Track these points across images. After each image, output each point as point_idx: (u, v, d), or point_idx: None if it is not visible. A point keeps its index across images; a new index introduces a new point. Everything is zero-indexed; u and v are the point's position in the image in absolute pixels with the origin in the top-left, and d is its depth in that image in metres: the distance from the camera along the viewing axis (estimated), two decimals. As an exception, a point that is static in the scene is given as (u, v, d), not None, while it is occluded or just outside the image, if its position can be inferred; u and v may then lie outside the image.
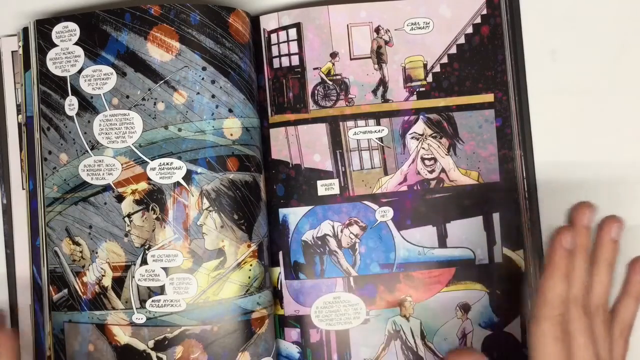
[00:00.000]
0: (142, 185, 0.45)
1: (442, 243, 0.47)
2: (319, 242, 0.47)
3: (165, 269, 0.44)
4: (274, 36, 0.48)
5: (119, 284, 0.45)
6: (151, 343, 0.44)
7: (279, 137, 0.48)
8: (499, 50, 0.48)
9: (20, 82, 0.48)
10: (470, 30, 0.48)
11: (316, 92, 0.47)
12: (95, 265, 0.45)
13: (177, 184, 0.45)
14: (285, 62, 0.48)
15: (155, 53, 0.45)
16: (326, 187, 0.47)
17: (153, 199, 0.45)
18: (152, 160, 0.45)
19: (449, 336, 0.47)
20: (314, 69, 0.47)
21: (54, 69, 0.46)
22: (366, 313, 0.47)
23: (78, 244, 0.46)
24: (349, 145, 0.47)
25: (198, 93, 0.45)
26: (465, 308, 0.47)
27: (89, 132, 0.46)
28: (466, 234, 0.47)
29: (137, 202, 0.45)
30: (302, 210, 0.47)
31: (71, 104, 0.46)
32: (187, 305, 0.44)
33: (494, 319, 0.47)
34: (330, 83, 0.47)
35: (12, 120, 0.50)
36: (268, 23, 0.48)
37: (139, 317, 0.45)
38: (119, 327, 0.45)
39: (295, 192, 0.47)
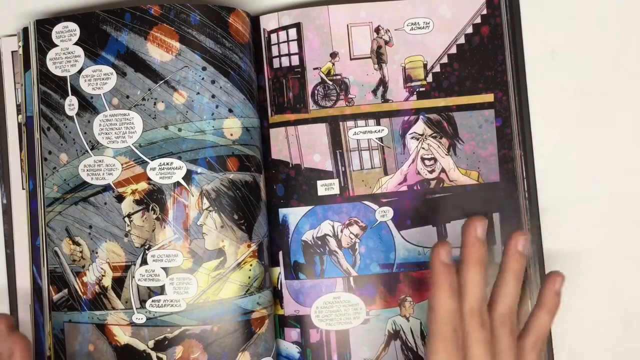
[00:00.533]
0: (142, 185, 0.45)
1: (442, 243, 0.47)
2: (319, 242, 0.47)
3: (165, 269, 0.44)
4: (274, 36, 0.48)
5: (119, 284, 0.45)
6: (151, 343, 0.44)
7: (279, 137, 0.48)
8: (499, 50, 0.48)
9: (20, 82, 0.48)
10: (470, 30, 0.48)
11: (316, 92, 0.47)
12: (95, 265, 0.45)
13: (177, 184, 0.45)
14: (285, 62, 0.48)
15: (155, 53, 0.45)
16: (326, 187, 0.47)
17: (153, 199, 0.45)
18: (152, 160, 0.45)
19: (449, 336, 0.47)
20: (314, 69, 0.47)
21: (54, 69, 0.46)
22: (366, 313, 0.47)
23: (78, 244, 0.46)
24: (349, 145, 0.47)
25: (198, 93, 0.45)
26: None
27: (89, 132, 0.46)
28: (466, 234, 0.47)
29: (137, 202, 0.45)
30: (302, 210, 0.47)
31: (71, 104, 0.46)
32: (187, 305, 0.44)
33: (494, 319, 0.47)
34: (330, 83, 0.47)
35: (12, 120, 0.49)
36: (268, 23, 0.48)
37: (139, 317, 0.45)
38: (119, 327, 0.45)
39: (295, 192, 0.47)
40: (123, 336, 0.45)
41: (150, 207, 0.45)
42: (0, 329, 0.41)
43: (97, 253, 0.45)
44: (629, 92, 0.49)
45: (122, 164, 0.45)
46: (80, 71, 0.46)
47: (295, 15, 0.47)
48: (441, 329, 0.40)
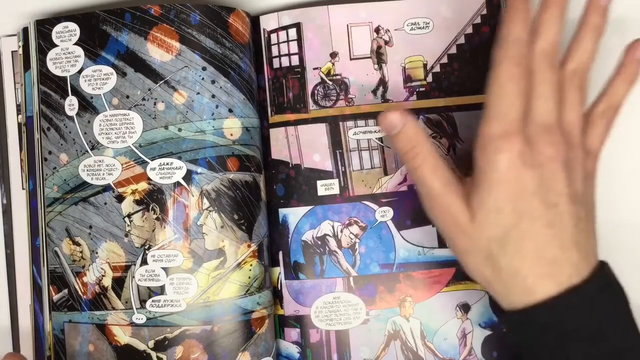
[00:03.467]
0: (142, 185, 0.45)
1: (442, 243, 0.47)
2: (319, 242, 0.47)
3: (165, 269, 0.44)
4: (273, 36, 0.48)
5: (119, 284, 0.45)
6: (151, 343, 0.44)
7: (279, 137, 0.48)
8: (499, 50, 0.48)
9: (20, 82, 0.48)
10: (470, 30, 0.48)
11: (316, 92, 0.47)
12: (95, 266, 0.45)
13: (177, 184, 0.45)
14: (285, 62, 0.48)
15: (155, 53, 0.45)
16: (326, 187, 0.47)
17: (153, 199, 0.45)
18: (152, 160, 0.45)
19: (449, 336, 0.47)
20: (314, 69, 0.47)
21: (54, 69, 0.46)
22: (366, 313, 0.47)
23: (78, 244, 0.46)
24: (349, 145, 0.47)
25: (198, 93, 0.45)
26: (465, 308, 0.47)
27: (89, 132, 0.46)
28: (466, 234, 0.47)
29: (137, 202, 0.45)
30: (302, 210, 0.47)
31: (71, 104, 0.46)
32: (187, 305, 0.44)
33: (494, 318, 0.47)
34: (330, 83, 0.47)
35: (12, 120, 0.50)
36: (268, 23, 0.48)
37: (139, 317, 0.45)
38: (119, 327, 0.45)
39: (295, 192, 0.47)
40: (123, 336, 0.45)
41: (150, 207, 0.45)
42: None
43: (97, 253, 0.45)
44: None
45: (122, 164, 0.45)
46: (80, 71, 0.46)
47: (295, 15, 0.47)
48: (509, 52, 0.38)
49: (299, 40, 0.47)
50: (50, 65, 0.46)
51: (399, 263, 0.47)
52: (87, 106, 0.46)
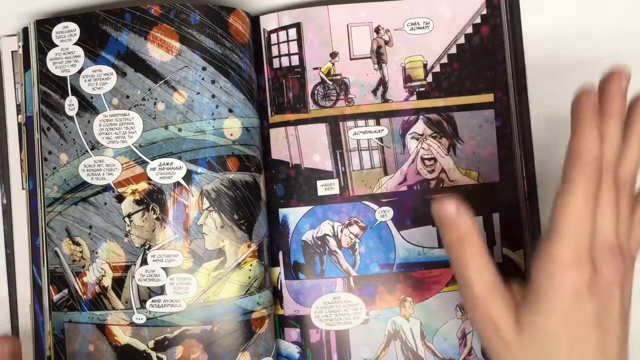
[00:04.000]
0: (142, 185, 0.45)
1: (442, 243, 0.47)
2: (319, 242, 0.47)
3: (165, 269, 0.44)
4: (273, 36, 0.48)
5: (119, 284, 0.45)
6: (151, 343, 0.44)
7: (279, 137, 0.48)
8: (498, 50, 0.48)
9: (20, 82, 0.48)
10: (470, 30, 0.48)
11: (316, 92, 0.47)
12: (95, 266, 0.45)
13: (177, 184, 0.45)
14: (285, 62, 0.48)
15: (155, 53, 0.45)
16: (326, 187, 0.47)
17: (153, 199, 0.45)
18: (152, 160, 0.45)
19: (449, 336, 0.47)
20: (314, 69, 0.47)
21: (54, 69, 0.46)
22: (366, 313, 0.47)
23: (78, 244, 0.46)
24: (349, 145, 0.47)
25: (198, 93, 0.45)
26: (465, 308, 0.47)
27: (89, 132, 0.46)
28: (466, 234, 0.47)
29: (137, 202, 0.45)
30: (302, 210, 0.47)
31: (71, 104, 0.46)
32: (187, 305, 0.44)
33: (494, 319, 0.47)
34: (330, 83, 0.47)
35: (12, 120, 0.50)
36: (268, 23, 0.48)
37: (139, 317, 0.45)
38: (119, 327, 0.45)
39: (295, 192, 0.47)
40: (123, 336, 0.45)
41: (151, 207, 0.45)
42: (2, 352, 0.40)
43: (97, 253, 0.45)
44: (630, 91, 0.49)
45: (122, 164, 0.45)
46: (80, 71, 0.46)
47: (295, 15, 0.47)
48: (586, 172, 0.36)
49: (299, 40, 0.47)
50: (50, 65, 0.46)
51: (399, 263, 0.47)
52: (87, 106, 0.46)
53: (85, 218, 0.46)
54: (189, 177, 0.44)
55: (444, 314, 0.47)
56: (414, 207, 0.47)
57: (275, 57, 0.48)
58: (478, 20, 0.48)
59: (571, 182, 0.36)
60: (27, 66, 0.47)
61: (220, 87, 0.45)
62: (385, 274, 0.47)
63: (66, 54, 0.46)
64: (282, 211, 0.47)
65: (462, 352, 0.47)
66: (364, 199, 0.47)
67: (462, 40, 0.48)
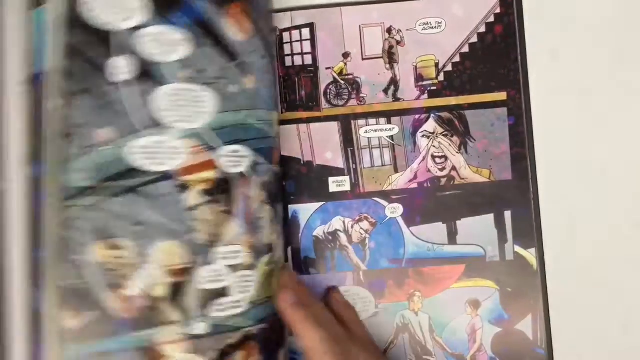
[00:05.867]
0: (210, 174, 0.39)
1: (452, 240, 0.48)
2: (330, 238, 0.48)
3: (230, 267, 0.39)
4: (286, 35, 0.49)
5: (175, 291, 0.38)
6: (212, 354, 0.38)
7: (290, 134, 0.49)
8: (512, 48, 0.48)
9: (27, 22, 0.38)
10: (483, 29, 0.48)
11: (328, 91, 0.49)
12: (143, 273, 0.37)
13: (242, 174, 0.40)
14: (298, 60, 0.49)
15: (232, 30, 0.40)
16: (337, 184, 0.48)
17: (220, 190, 0.39)
18: (221, 146, 0.39)
19: (458, 331, 0.48)
20: (327, 68, 0.48)
21: (95, 16, 0.37)
22: (375, 306, 0.48)
23: (118, 247, 0.37)
24: (360, 143, 0.48)
25: (261, 80, 0.42)
26: (475, 304, 0.48)
27: (146, 105, 0.37)
28: (477, 232, 0.48)
29: (204, 192, 0.39)
30: (314, 206, 0.48)
31: (119, 67, 0.37)
32: (248, 304, 0.40)
33: (504, 316, 0.47)
34: (343, 82, 0.48)
35: (13, 81, 0.38)
36: (281, 22, 0.49)
37: (199, 327, 0.38)
38: (171, 345, 0.37)
39: (307, 188, 0.49)
40: (175, 355, 0.37)
41: (218, 199, 0.39)
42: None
43: (147, 256, 0.37)
44: (631, 90, 0.48)
45: (187, 148, 0.38)
46: (136, 28, 0.37)
47: (309, 15, 0.49)
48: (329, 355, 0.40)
49: (312, 40, 0.49)
50: (85, 9, 0.37)
51: (408, 258, 0.48)
52: (146, 74, 0.38)
53: (131, 213, 0.37)
54: (253, 167, 0.41)
55: (453, 309, 0.48)
56: (424, 204, 0.48)
57: (288, 55, 0.49)
58: (491, 19, 0.48)
59: None
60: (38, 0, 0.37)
61: (269, 79, 0.43)
62: (395, 269, 0.48)
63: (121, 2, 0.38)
64: (292, 207, 0.49)
65: (471, 348, 0.48)
66: (374, 196, 0.48)
67: (474, 39, 0.48)
